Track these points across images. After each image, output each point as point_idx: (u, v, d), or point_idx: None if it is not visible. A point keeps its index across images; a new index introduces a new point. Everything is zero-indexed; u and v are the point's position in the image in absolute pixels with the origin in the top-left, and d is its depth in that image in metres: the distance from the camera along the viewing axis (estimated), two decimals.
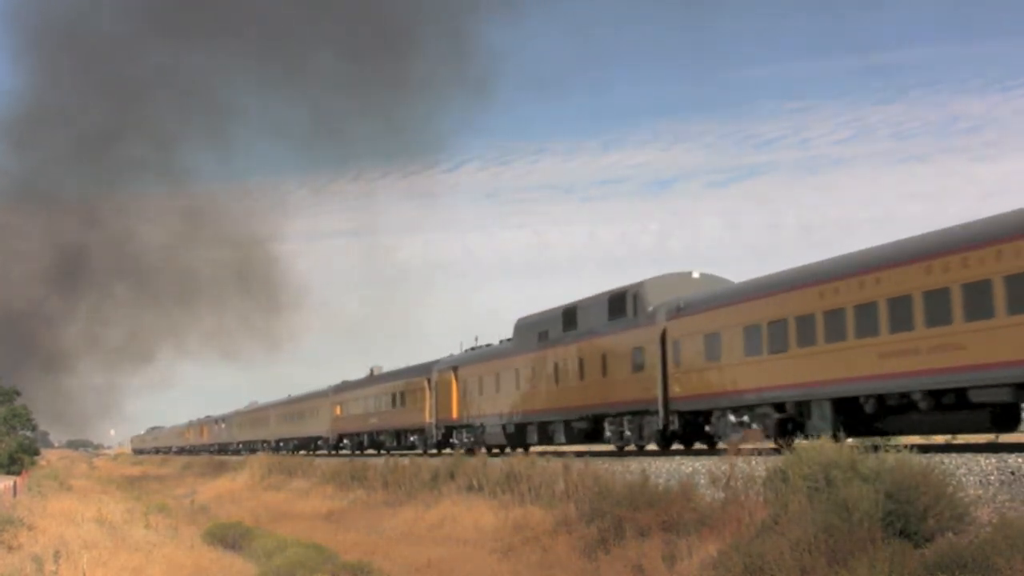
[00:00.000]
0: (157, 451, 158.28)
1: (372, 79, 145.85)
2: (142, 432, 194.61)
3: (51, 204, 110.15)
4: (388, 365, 67.65)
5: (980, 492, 14.58)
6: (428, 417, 49.05)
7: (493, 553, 20.79)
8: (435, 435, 47.93)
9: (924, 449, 17.96)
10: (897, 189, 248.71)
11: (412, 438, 52.38)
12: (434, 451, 47.57)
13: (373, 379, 62.46)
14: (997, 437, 22.57)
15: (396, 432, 55.24)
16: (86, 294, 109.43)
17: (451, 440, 45.91)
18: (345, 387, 68.22)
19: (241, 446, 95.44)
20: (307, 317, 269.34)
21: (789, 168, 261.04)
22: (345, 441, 65.91)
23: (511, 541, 21.22)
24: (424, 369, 51.14)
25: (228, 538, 27.59)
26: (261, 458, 57.43)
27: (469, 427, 43.55)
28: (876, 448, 15.12)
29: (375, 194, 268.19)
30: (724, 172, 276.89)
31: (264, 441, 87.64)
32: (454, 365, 46.29)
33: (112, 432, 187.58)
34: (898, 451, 14.61)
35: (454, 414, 45.28)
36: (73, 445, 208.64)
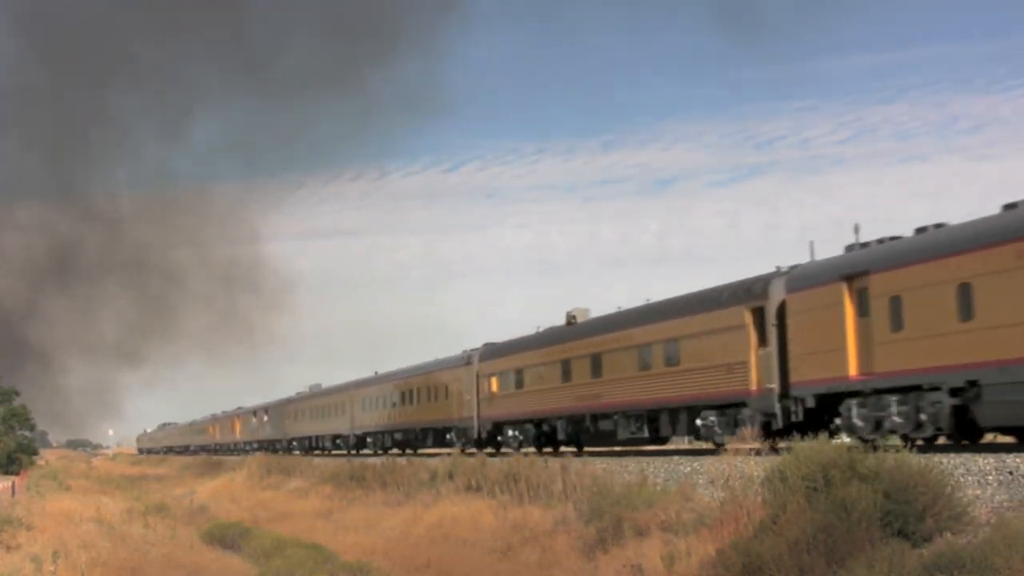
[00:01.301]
0: (170, 451, 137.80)
1: (351, 80, 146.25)
2: (150, 429, 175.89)
3: (40, 201, 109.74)
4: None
5: (978, 492, 14.58)
6: (755, 382, 26.60)
7: (492, 553, 20.80)
8: (779, 415, 25.53)
9: (922, 449, 17.97)
10: (898, 189, 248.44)
11: (705, 421, 28.56)
12: (759, 445, 22.32)
13: (584, 327, 37.42)
14: (996, 437, 22.45)
15: (647, 413, 31.48)
16: (79, 293, 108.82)
17: (836, 421, 23.99)
18: (509, 348, 43.26)
19: (295, 444, 75.31)
20: (305, 317, 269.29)
21: (790, 168, 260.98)
22: (512, 432, 41.20)
23: (510, 541, 21.24)
24: (742, 292, 27.78)
25: (227, 538, 27.59)
26: (259, 458, 57.36)
27: (904, 393, 21.84)
28: (875, 448, 15.13)
29: (375, 194, 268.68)
30: (724, 172, 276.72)
31: (339, 437, 65.89)
32: (848, 272, 23.81)
33: (111, 432, 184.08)
34: (896, 451, 14.62)
35: (851, 368, 23.31)
36: (72, 445, 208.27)
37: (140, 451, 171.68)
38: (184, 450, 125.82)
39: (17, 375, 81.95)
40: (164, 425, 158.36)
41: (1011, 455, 16.33)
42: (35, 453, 79.21)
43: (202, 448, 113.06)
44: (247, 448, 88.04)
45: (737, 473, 17.50)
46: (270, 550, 23.41)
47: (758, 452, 18.64)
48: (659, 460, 24.42)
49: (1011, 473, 15.24)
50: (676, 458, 24.54)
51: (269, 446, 79.09)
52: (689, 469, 21.21)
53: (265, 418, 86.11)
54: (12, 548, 22.34)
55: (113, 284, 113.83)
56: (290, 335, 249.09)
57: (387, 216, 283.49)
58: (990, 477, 15.43)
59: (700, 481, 19.27)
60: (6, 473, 56.66)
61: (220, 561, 23.20)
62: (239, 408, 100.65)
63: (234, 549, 25.93)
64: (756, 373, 26.54)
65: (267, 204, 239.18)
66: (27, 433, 75.47)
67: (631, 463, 24.05)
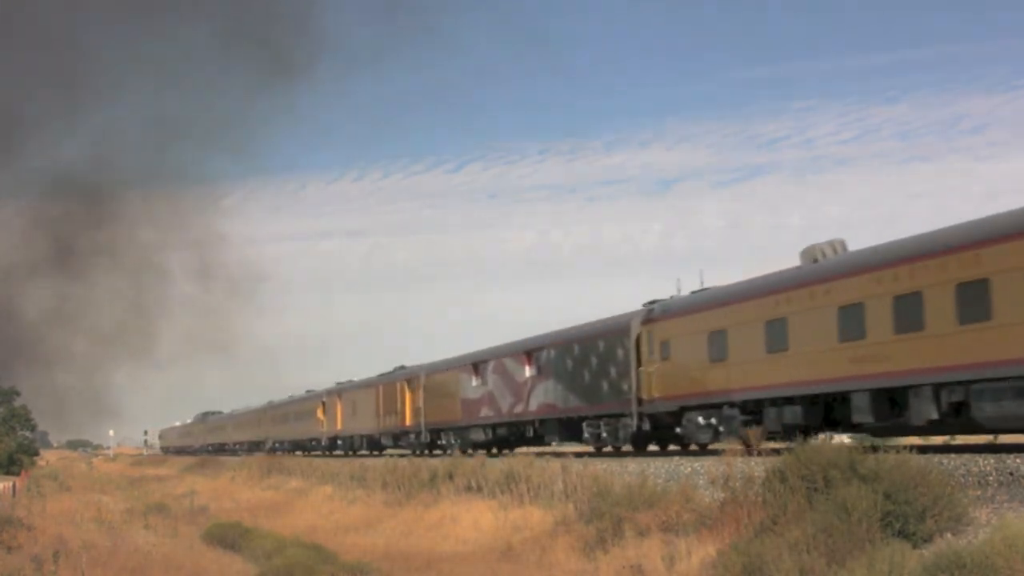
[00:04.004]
0: (220, 450, 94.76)
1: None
2: (177, 423, 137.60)
3: (37, 199, 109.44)
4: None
5: (979, 492, 14.58)
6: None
7: (492, 553, 20.80)
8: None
9: (923, 450, 17.98)
10: (901, 189, 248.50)
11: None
12: None
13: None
14: (996, 438, 22.52)
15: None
16: (75, 291, 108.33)
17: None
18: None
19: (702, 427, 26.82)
20: (305, 317, 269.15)
21: (793, 168, 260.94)
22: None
23: (510, 541, 21.25)
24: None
25: (227, 538, 27.58)
26: (260, 458, 57.29)
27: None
28: (875, 449, 15.13)
29: (378, 194, 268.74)
30: (728, 172, 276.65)
31: (731, 401, 25.37)
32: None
33: (111, 432, 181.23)
34: (897, 452, 14.61)
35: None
36: (72, 445, 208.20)
37: (164, 451, 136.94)
38: (251, 449, 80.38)
39: (17, 375, 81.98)
40: (206, 415, 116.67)
41: (1011, 456, 16.33)
42: (36, 454, 79.15)
43: (297, 446, 70.13)
44: (445, 444, 44.56)
45: (737, 473, 17.51)
46: (270, 550, 23.42)
47: (758, 453, 18.68)
48: (659, 460, 24.43)
49: (1011, 474, 15.24)
50: (676, 458, 24.56)
51: (501, 439, 39.92)
52: (689, 469, 21.21)
53: (531, 371, 37.01)
54: (13, 548, 22.35)
55: (109, 283, 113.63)
56: (289, 335, 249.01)
57: (389, 216, 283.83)
58: (990, 478, 15.43)
59: (700, 481, 19.26)
60: (7, 474, 56.64)
61: (220, 561, 23.18)
62: (400, 368, 53.02)
63: (234, 549, 25.91)
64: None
65: (269, 205, 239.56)
66: (27, 434, 75.48)
67: (631, 463, 24.05)
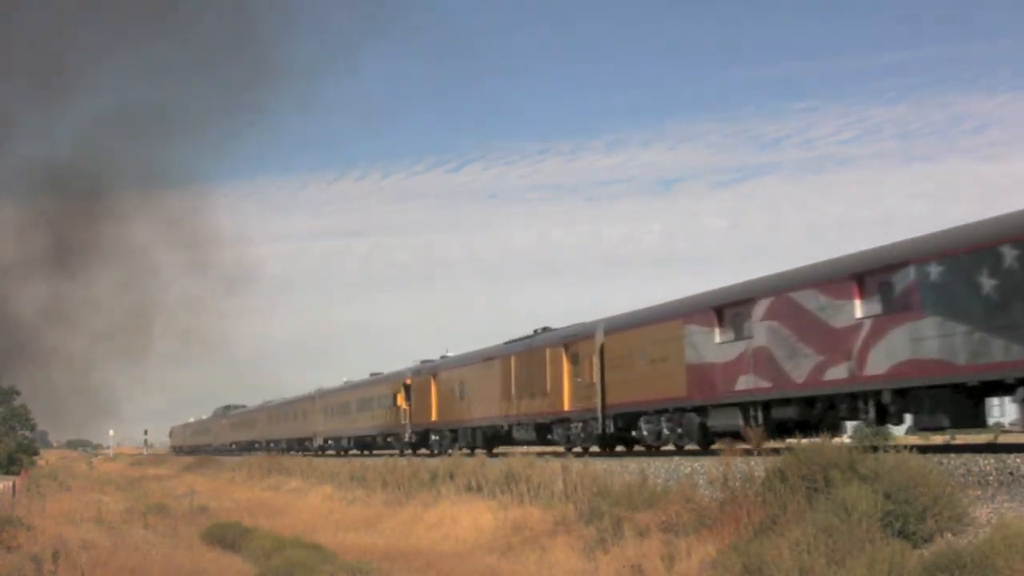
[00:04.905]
0: (249, 448, 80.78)
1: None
2: (191, 419, 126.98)
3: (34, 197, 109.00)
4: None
5: (979, 492, 14.59)
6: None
7: (492, 553, 20.80)
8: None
9: (923, 449, 17.98)
10: (902, 189, 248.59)
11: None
12: None
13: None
14: (996, 437, 22.53)
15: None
16: (71, 290, 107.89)
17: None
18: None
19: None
20: (305, 317, 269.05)
21: (793, 168, 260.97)
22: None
23: (510, 541, 21.24)
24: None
25: (227, 538, 27.56)
26: (259, 458, 57.21)
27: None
28: (875, 448, 15.13)
29: (379, 194, 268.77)
30: (728, 172, 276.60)
31: None
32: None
33: (111, 432, 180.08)
34: (897, 451, 14.62)
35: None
36: (72, 445, 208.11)
37: (175, 451, 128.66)
38: (290, 448, 67.06)
39: (16, 375, 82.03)
40: (228, 409, 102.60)
41: (1011, 455, 16.34)
42: (35, 453, 79.17)
43: (362, 444, 57.92)
44: (647, 436, 29.39)
45: (737, 473, 17.50)
46: (270, 550, 23.40)
47: (758, 452, 18.67)
48: (659, 460, 24.43)
49: (1012, 473, 15.24)
50: (676, 458, 24.56)
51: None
52: (689, 469, 21.21)
53: (867, 308, 21.49)
54: (12, 548, 22.35)
55: (107, 281, 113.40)
56: (289, 334, 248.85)
57: (389, 216, 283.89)
58: (991, 477, 15.44)
59: (700, 481, 19.26)
60: (6, 473, 56.63)
61: (220, 561, 23.16)
62: (544, 330, 38.52)
63: (234, 549, 25.90)
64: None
65: (269, 205, 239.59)
66: (27, 433, 75.59)
67: (631, 463, 24.05)
